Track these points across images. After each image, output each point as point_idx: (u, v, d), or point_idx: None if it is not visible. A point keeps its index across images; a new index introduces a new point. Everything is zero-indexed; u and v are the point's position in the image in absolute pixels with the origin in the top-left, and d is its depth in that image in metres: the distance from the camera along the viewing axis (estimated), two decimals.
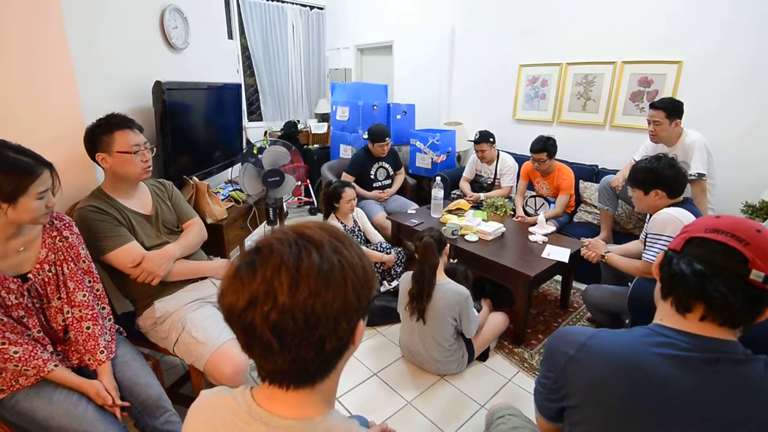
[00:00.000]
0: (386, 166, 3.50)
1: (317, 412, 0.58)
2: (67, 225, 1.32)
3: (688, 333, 0.72)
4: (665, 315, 0.76)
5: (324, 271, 0.53)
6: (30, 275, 1.21)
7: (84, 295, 1.30)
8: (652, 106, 2.43)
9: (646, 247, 1.79)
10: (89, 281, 1.34)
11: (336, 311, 0.53)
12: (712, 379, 0.68)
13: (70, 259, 1.29)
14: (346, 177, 3.35)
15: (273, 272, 0.52)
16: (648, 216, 1.87)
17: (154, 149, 1.60)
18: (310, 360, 0.55)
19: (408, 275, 2.00)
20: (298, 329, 0.51)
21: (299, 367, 0.56)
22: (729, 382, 0.68)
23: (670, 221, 1.69)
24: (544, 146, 2.88)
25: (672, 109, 2.36)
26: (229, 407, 0.61)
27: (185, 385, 1.87)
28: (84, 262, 1.34)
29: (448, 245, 2.03)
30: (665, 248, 0.79)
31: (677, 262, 0.73)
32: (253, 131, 5.13)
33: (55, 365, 1.19)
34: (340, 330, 0.54)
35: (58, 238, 1.28)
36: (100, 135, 1.46)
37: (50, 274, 1.25)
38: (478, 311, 2.17)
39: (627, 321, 2.10)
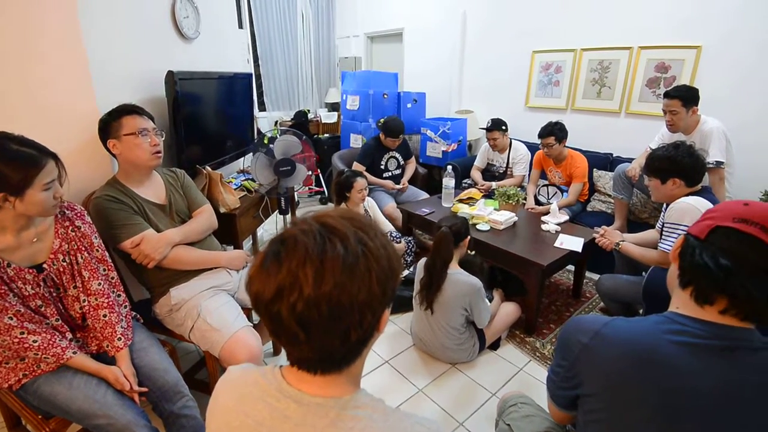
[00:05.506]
0: (397, 156, 3.49)
1: (346, 392, 0.60)
2: (78, 214, 1.32)
3: (705, 321, 0.71)
4: (682, 303, 0.75)
5: (349, 263, 0.53)
6: (45, 265, 1.22)
7: (99, 284, 1.32)
8: (667, 95, 2.36)
9: (663, 237, 1.76)
10: (104, 269, 1.36)
11: (361, 303, 0.53)
12: (729, 366, 0.67)
13: (83, 248, 1.30)
14: (357, 166, 3.34)
15: (298, 264, 0.52)
16: (665, 205, 1.84)
17: (163, 134, 1.61)
18: (336, 349, 0.56)
19: (422, 263, 2.00)
20: (323, 321, 0.52)
21: (325, 356, 0.57)
22: (747, 370, 0.67)
23: (688, 211, 1.65)
24: (552, 131, 2.84)
25: (688, 96, 2.30)
26: (258, 385, 0.62)
27: (201, 371, 1.90)
28: (97, 250, 1.35)
29: (468, 237, 2.01)
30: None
31: (701, 253, 0.70)
32: (264, 121, 5.14)
33: (74, 353, 1.21)
34: (365, 322, 0.55)
35: (70, 227, 1.29)
36: (109, 122, 1.49)
37: (65, 263, 1.26)
38: (490, 301, 2.16)
39: (641, 311, 2.08)
